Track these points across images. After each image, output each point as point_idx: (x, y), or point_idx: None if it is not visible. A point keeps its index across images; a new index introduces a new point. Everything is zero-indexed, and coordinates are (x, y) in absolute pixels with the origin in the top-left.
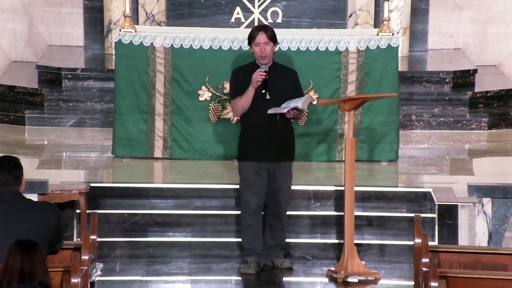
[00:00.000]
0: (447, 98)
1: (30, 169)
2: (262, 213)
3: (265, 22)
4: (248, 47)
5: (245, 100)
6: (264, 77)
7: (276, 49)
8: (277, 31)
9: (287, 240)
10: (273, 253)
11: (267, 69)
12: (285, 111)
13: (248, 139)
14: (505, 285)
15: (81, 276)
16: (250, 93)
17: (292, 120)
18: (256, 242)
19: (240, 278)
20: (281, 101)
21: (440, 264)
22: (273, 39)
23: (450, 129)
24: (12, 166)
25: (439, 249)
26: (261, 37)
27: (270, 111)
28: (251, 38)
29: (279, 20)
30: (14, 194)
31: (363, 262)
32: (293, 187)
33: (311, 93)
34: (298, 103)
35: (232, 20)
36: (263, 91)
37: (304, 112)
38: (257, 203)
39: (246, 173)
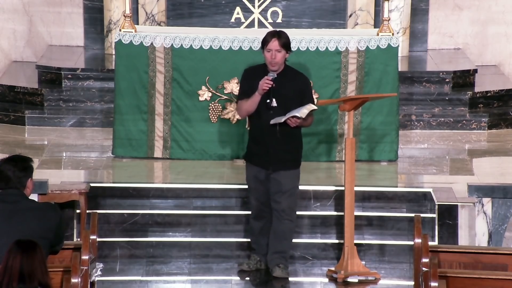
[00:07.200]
0: (447, 98)
1: None
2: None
3: (265, 22)
4: (260, 49)
5: (250, 104)
6: (270, 85)
7: (288, 56)
8: None
9: None
10: (274, 260)
11: (275, 76)
12: (282, 120)
13: (252, 142)
14: (505, 285)
15: (81, 276)
16: (256, 98)
17: (299, 127)
18: (259, 243)
19: (240, 278)
20: (287, 108)
21: (440, 264)
22: (285, 46)
23: (450, 129)
24: (19, 167)
25: (439, 249)
26: (274, 44)
27: (272, 122)
28: (264, 43)
29: (279, 20)
30: (16, 194)
31: (363, 262)
32: None
33: None
34: (298, 112)
35: (232, 20)
36: (268, 100)
37: (312, 116)
38: (257, 207)
39: (248, 177)
